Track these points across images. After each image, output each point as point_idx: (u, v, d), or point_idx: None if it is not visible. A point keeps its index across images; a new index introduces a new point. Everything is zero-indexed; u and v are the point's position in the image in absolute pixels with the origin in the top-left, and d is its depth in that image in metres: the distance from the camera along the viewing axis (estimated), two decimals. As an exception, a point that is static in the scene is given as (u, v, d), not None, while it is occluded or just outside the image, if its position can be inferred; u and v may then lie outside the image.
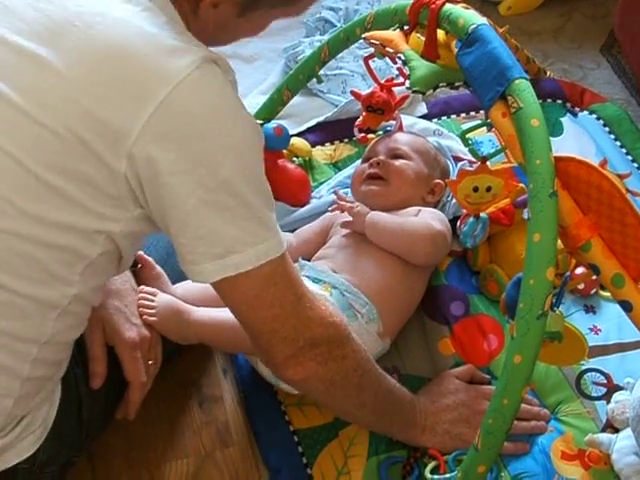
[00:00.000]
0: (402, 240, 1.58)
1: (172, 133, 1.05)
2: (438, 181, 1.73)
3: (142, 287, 1.44)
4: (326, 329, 1.24)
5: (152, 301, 1.42)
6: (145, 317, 1.41)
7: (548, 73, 2.13)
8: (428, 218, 1.62)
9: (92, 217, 1.09)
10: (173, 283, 1.51)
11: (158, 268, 1.49)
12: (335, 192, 1.71)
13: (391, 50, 1.59)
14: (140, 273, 1.48)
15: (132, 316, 1.38)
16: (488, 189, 1.56)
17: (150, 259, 1.49)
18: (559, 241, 1.27)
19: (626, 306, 1.26)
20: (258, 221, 1.12)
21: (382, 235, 1.59)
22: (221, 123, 1.08)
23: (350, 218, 1.62)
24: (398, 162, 1.71)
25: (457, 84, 1.53)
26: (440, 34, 1.51)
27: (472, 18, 1.43)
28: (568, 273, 1.34)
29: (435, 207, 1.74)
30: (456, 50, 1.44)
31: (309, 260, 1.63)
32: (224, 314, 1.37)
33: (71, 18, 1.07)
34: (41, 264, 1.09)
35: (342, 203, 1.63)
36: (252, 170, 1.12)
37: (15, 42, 1.06)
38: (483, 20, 1.43)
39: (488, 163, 1.59)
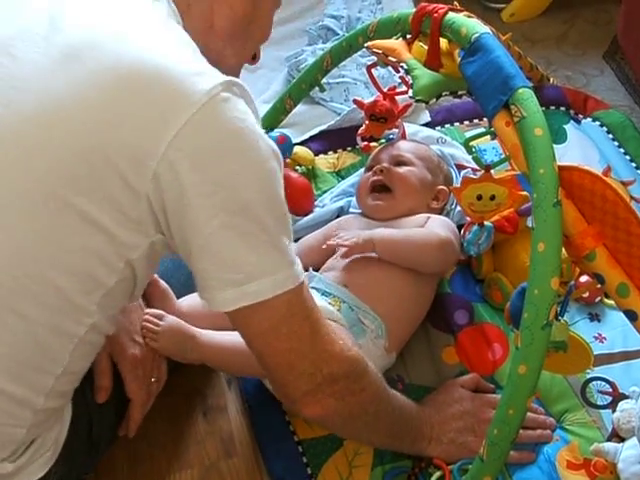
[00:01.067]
0: (412, 253, 1.57)
1: (195, 154, 1.04)
2: (442, 187, 1.73)
3: (148, 310, 1.43)
4: (344, 364, 1.22)
5: (157, 325, 1.40)
6: (147, 340, 1.39)
7: (551, 80, 2.13)
8: (435, 226, 1.62)
9: (114, 243, 1.08)
10: (179, 297, 1.50)
11: (163, 284, 1.48)
12: (328, 245, 1.62)
13: (394, 59, 1.58)
14: (146, 289, 1.47)
15: (136, 334, 1.37)
16: (492, 198, 1.56)
17: (155, 276, 1.47)
18: (563, 250, 1.26)
19: (631, 316, 1.25)
20: (278, 249, 1.11)
21: (393, 252, 1.57)
22: (243, 146, 1.07)
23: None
24: (402, 169, 1.71)
25: (460, 93, 1.53)
26: (443, 43, 1.51)
27: (475, 27, 1.43)
28: (573, 282, 1.33)
29: (440, 213, 1.74)
30: (459, 59, 1.44)
31: (317, 270, 1.62)
32: (230, 338, 1.37)
33: (98, 38, 1.07)
34: (61, 292, 1.08)
35: (345, 243, 1.57)
36: (273, 195, 1.11)
37: (39, 61, 1.06)
38: (486, 29, 1.43)
39: (492, 171, 1.59)
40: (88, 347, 1.17)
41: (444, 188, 1.73)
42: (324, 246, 1.62)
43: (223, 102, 1.05)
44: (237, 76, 1.25)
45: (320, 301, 1.46)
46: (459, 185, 1.62)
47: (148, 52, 1.06)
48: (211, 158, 1.05)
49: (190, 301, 1.50)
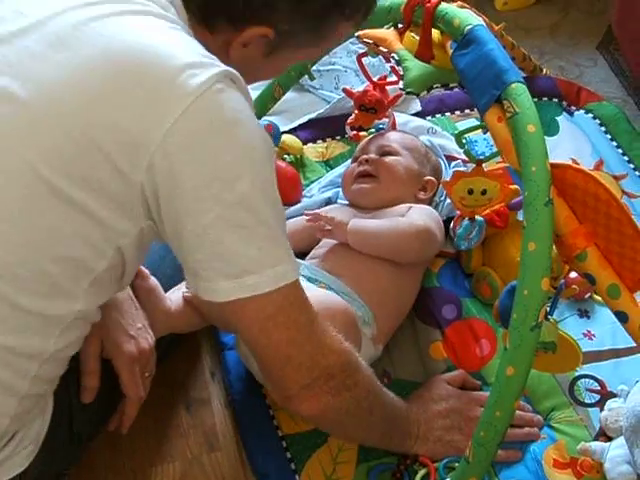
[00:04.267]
0: (386, 244, 1.56)
1: (191, 146, 1.03)
2: (429, 178, 1.72)
3: None
4: (339, 357, 1.21)
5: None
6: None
7: (544, 71, 2.11)
8: (414, 215, 1.60)
9: (103, 228, 1.07)
10: (165, 289, 1.46)
11: (152, 279, 1.43)
12: (305, 213, 1.64)
13: (385, 49, 1.56)
14: (134, 282, 1.42)
15: (129, 327, 1.33)
16: (483, 192, 1.54)
17: (144, 269, 1.43)
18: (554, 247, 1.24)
19: (622, 317, 1.24)
20: (275, 242, 1.10)
21: (366, 243, 1.56)
22: (238, 137, 1.06)
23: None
24: (387, 159, 1.70)
25: (452, 85, 1.50)
26: (435, 34, 1.49)
27: (468, 18, 1.40)
28: (563, 281, 1.32)
29: (429, 205, 1.72)
30: (451, 51, 1.41)
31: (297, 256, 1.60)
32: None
33: (96, 27, 1.06)
34: (50, 277, 1.07)
35: (320, 217, 1.58)
36: (268, 186, 1.10)
37: (33, 47, 1.05)
38: (479, 20, 1.40)
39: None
40: (73, 334, 1.15)
41: (432, 179, 1.72)
42: (306, 211, 1.61)
43: (218, 93, 1.04)
44: None
45: (308, 285, 1.44)
46: (449, 179, 1.60)
47: (145, 40, 1.06)
48: (206, 149, 1.04)
49: (177, 298, 1.46)
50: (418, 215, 1.60)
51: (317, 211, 1.60)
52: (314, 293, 1.24)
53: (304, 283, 1.42)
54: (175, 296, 1.46)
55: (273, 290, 1.09)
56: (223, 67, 1.07)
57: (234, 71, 1.09)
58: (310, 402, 1.20)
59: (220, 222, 1.06)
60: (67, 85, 1.03)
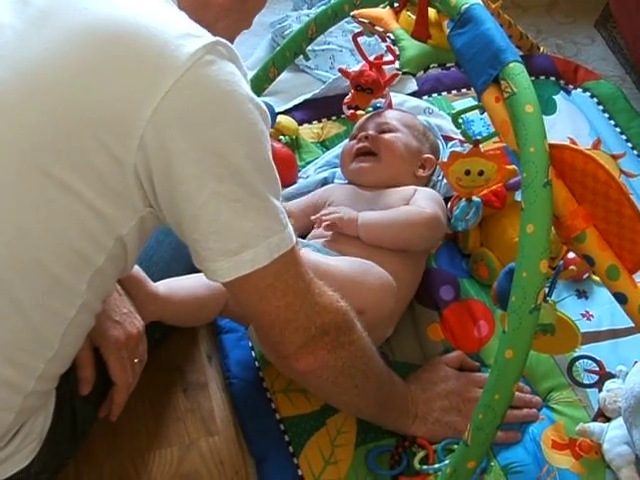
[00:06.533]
0: (397, 236, 1.55)
1: (181, 121, 1.01)
2: (428, 155, 1.71)
3: None
4: (335, 315, 1.22)
5: None
6: None
7: (542, 49, 2.10)
8: (421, 201, 1.59)
9: (101, 219, 1.05)
10: (162, 276, 1.44)
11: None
12: (313, 222, 1.61)
13: (380, 29, 1.55)
14: None
15: (113, 313, 1.31)
16: (480, 173, 1.53)
17: None
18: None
19: (621, 298, 1.23)
20: (269, 213, 1.09)
21: (377, 237, 1.55)
22: (230, 110, 1.04)
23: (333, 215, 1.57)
24: (387, 135, 1.69)
25: (448, 65, 1.49)
26: (431, 13, 1.47)
27: (465, -3, 1.38)
28: (561, 262, 1.31)
29: (427, 184, 1.71)
30: (448, 30, 1.39)
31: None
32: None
33: (80, 0, 1.04)
34: (50, 272, 1.05)
35: (327, 216, 1.56)
36: (262, 158, 1.09)
37: (17, 25, 1.03)
38: (476, -1, 1.38)
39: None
40: (78, 330, 1.14)
41: (430, 156, 1.71)
42: (312, 217, 1.60)
43: (208, 65, 1.02)
44: None
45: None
46: (447, 159, 1.59)
47: (129, 13, 1.03)
48: (198, 124, 1.02)
49: (169, 285, 1.43)
50: (425, 202, 1.60)
51: (320, 213, 1.59)
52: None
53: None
54: (166, 284, 1.43)
55: (269, 262, 1.09)
56: (213, 38, 1.04)
57: (224, 41, 1.06)
58: (307, 359, 1.21)
59: (215, 198, 1.04)
60: (48, 61, 1.01)
